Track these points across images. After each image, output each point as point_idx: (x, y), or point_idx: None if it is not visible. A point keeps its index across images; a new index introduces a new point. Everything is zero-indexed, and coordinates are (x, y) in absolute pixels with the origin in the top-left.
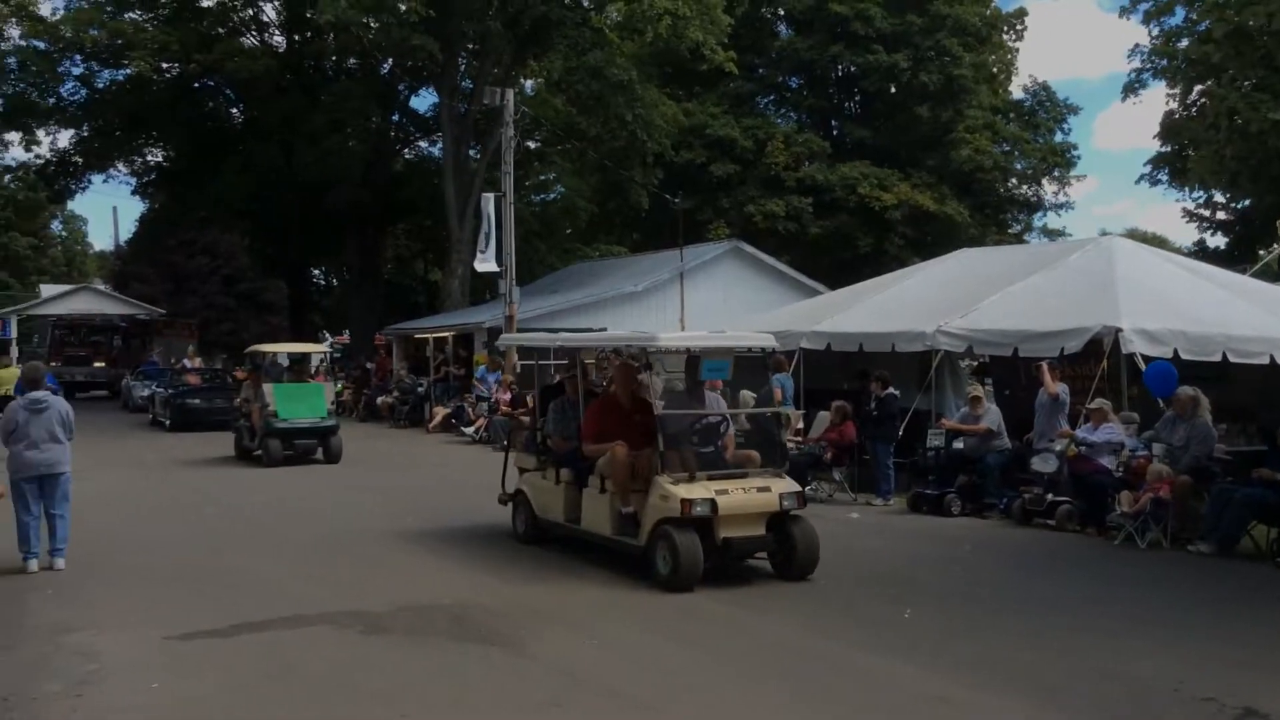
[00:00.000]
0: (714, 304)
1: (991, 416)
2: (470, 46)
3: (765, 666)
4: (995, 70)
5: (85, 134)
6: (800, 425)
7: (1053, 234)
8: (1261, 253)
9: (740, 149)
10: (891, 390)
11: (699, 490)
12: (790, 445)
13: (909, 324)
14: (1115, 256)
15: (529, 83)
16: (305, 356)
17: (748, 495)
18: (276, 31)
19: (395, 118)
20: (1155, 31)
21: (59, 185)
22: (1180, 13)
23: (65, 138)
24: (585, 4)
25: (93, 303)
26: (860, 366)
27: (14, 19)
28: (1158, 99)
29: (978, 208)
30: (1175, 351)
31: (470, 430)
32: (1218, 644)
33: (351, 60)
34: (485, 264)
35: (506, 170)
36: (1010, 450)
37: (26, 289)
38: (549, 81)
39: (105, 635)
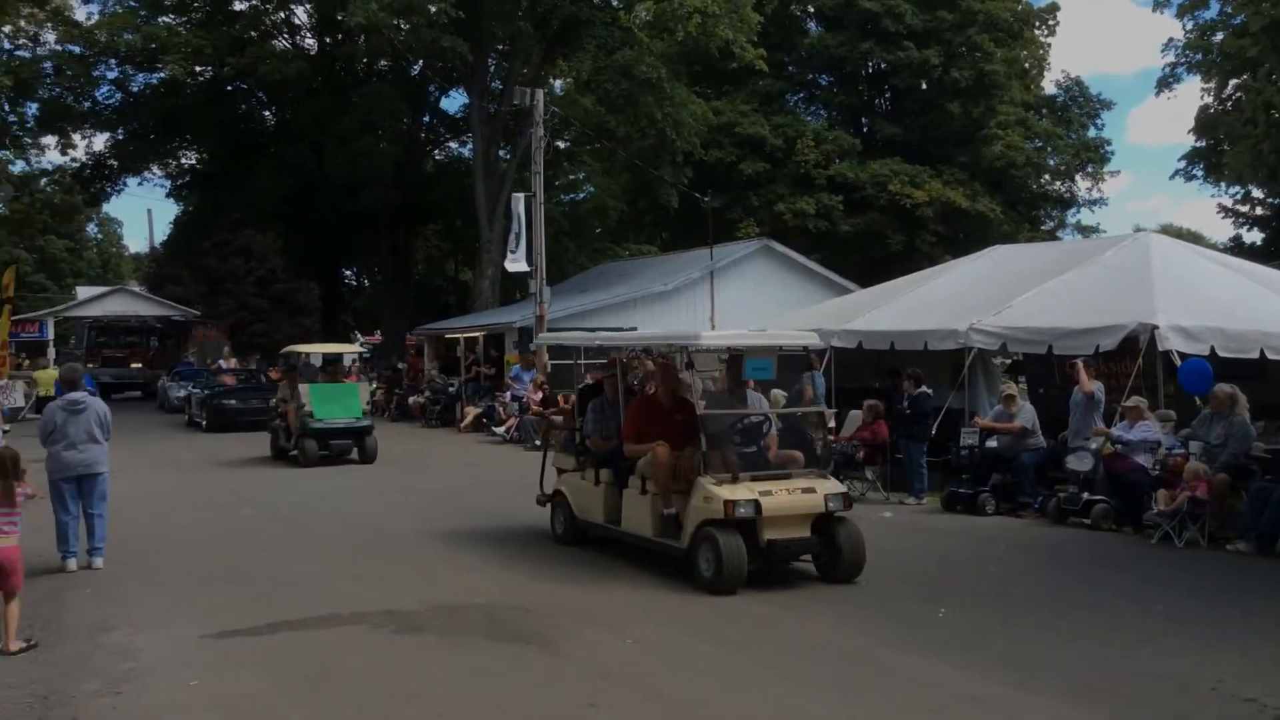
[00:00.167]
0: (744, 303)
1: (1026, 414)
2: (500, 47)
3: (801, 666)
4: (1027, 66)
5: (120, 137)
6: (832, 424)
7: (1086, 230)
8: None
9: (770, 147)
10: (924, 389)
11: (742, 491)
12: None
13: (942, 322)
14: (1151, 253)
15: (558, 82)
16: (339, 356)
17: (792, 496)
18: (308, 34)
19: (426, 119)
20: (1189, 25)
21: (95, 188)
22: (1215, 6)
23: (101, 141)
24: (615, 3)
25: (128, 304)
26: (892, 365)
27: (50, 24)
28: (1192, 93)
29: (1010, 204)
30: (1212, 348)
31: (501, 430)
32: (1257, 644)
33: (382, 62)
34: (515, 264)
35: (536, 170)
36: (1045, 448)
37: (63, 291)
38: (578, 81)
39: (143, 634)
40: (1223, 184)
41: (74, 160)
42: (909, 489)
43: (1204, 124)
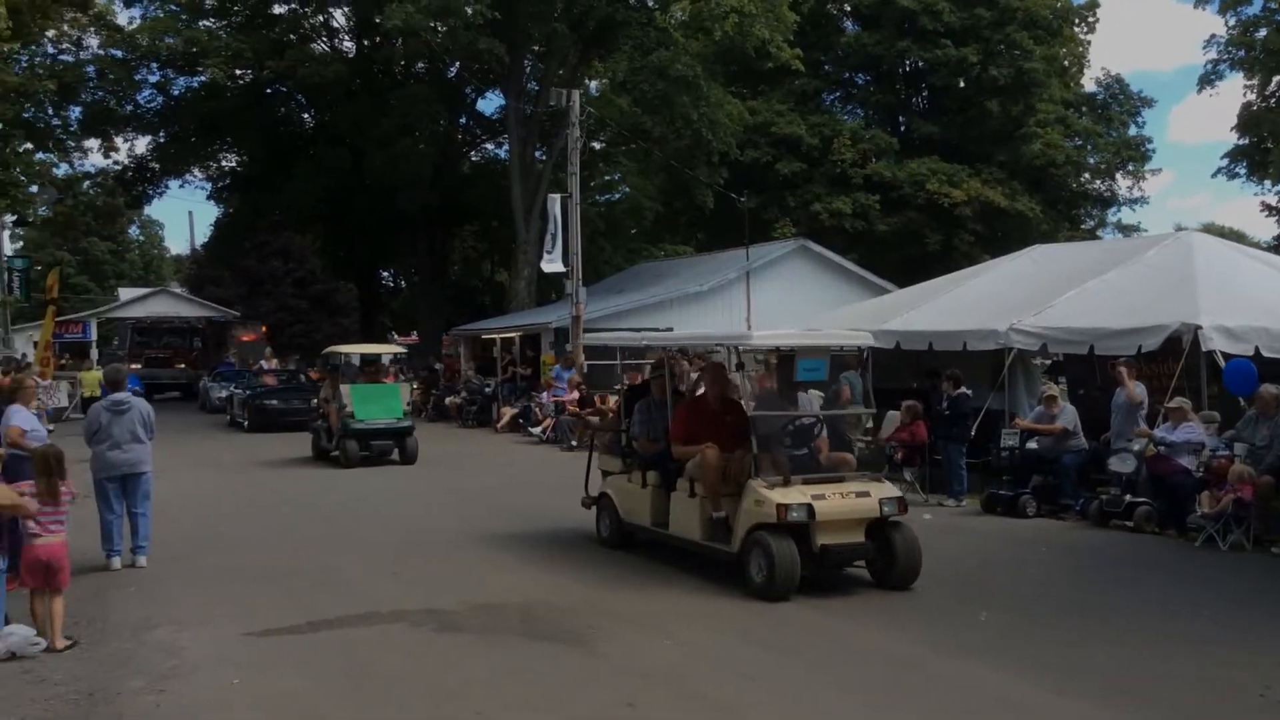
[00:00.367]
0: (780, 303)
1: (1067, 416)
2: (536, 48)
3: (841, 668)
4: (1067, 63)
5: (162, 140)
6: (869, 425)
7: (1127, 229)
8: None
9: (806, 146)
10: (964, 390)
11: (795, 495)
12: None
13: (981, 322)
14: (1193, 252)
15: (594, 83)
16: (378, 357)
17: (846, 500)
18: (346, 37)
19: (462, 120)
20: (1232, 21)
21: (136, 191)
22: (1258, 2)
23: (142, 144)
24: (651, 4)
25: (169, 306)
26: (931, 365)
27: (92, 29)
28: (1235, 90)
29: (1050, 203)
30: (1256, 349)
31: (537, 430)
32: None
33: (420, 64)
34: (551, 265)
35: (573, 171)
36: (1087, 450)
37: (105, 292)
38: (614, 81)
39: (186, 632)
40: (1266, 182)
41: (116, 163)
42: (948, 491)
43: (1247, 121)
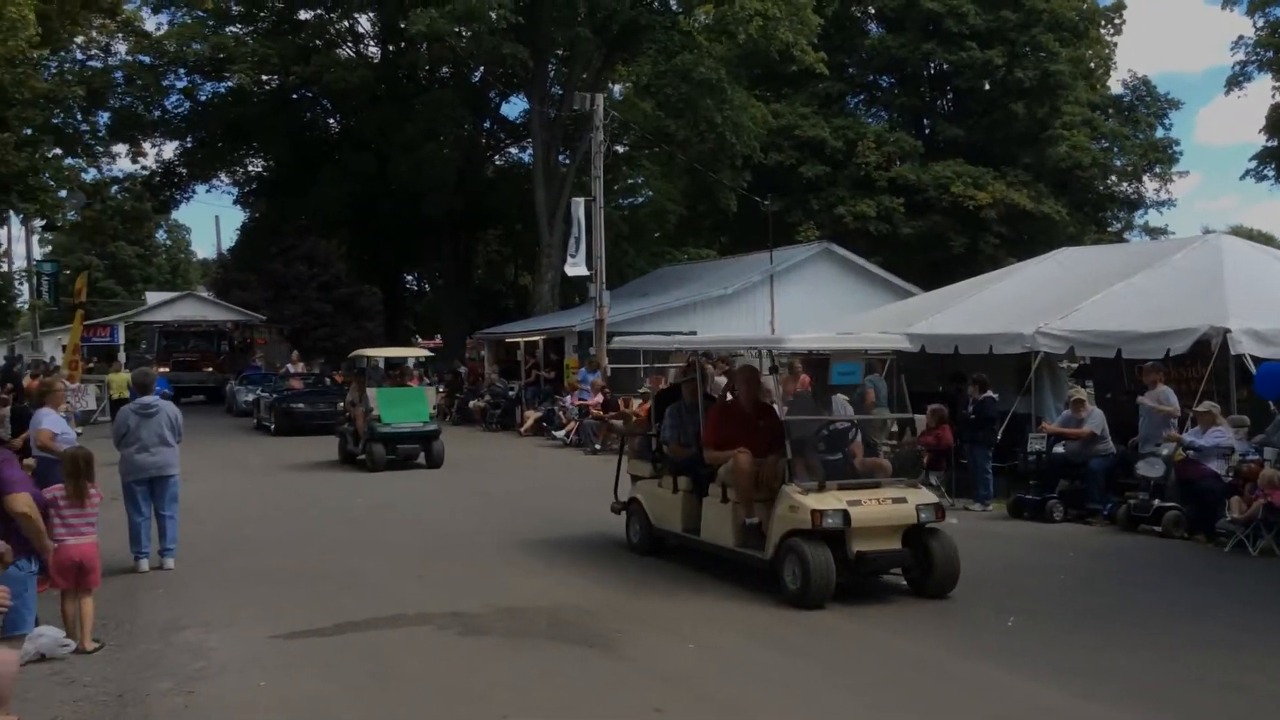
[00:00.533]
0: (804, 307)
1: (1095, 420)
2: (560, 53)
3: (867, 674)
4: (1093, 65)
5: (189, 145)
6: (895, 429)
7: (1154, 232)
8: None
9: (830, 149)
10: (990, 394)
11: (830, 501)
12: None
13: (1007, 325)
14: (1222, 255)
15: (617, 87)
16: (403, 360)
17: (882, 507)
18: (371, 43)
19: (486, 125)
20: (1260, 23)
21: (164, 196)
22: None
23: (170, 149)
24: (674, 7)
25: (196, 309)
26: (956, 369)
27: (121, 35)
28: (1263, 92)
29: (1076, 206)
30: None
31: (561, 434)
32: None
33: (444, 69)
34: (575, 268)
35: (596, 175)
36: (1115, 454)
37: (133, 296)
38: (638, 85)
39: (214, 634)
40: None
41: (144, 168)
42: (974, 495)
43: (1275, 123)
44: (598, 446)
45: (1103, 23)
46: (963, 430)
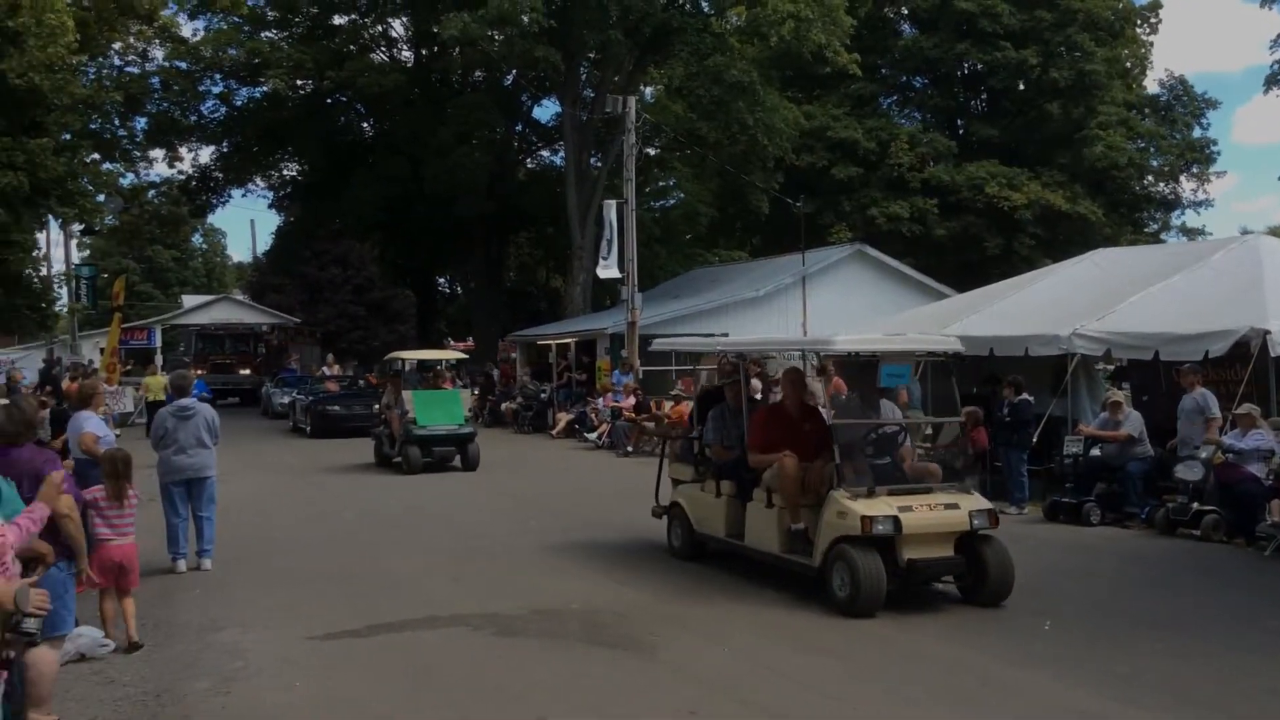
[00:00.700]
0: (837, 309)
1: (1133, 422)
2: (592, 55)
3: (903, 676)
4: (1129, 65)
5: (225, 150)
6: (929, 431)
7: (1191, 233)
8: None
9: (863, 151)
10: (1025, 396)
11: (880, 507)
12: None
13: (1043, 327)
14: (1261, 255)
15: (649, 89)
16: (438, 362)
17: (934, 513)
18: (405, 47)
19: (518, 128)
20: None
21: (200, 200)
22: None
23: (206, 154)
24: (706, 10)
25: (231, 313)
26: (991, 371)
27: (158, 41)
28: None
29: (1112, 207)
30: None
31: (593, 436)
32: None
33: (477, 73)
34: (607, 270)
35: (628, 177)
36: (1153, 457)
37: (169, 300)
38: (669, 87)
39: (250, 634)
40: None
41: (181, 173)
42: (1009, 498)
43: None
44: (630, 449)
45: (1139, 22)
46: (997, 433)
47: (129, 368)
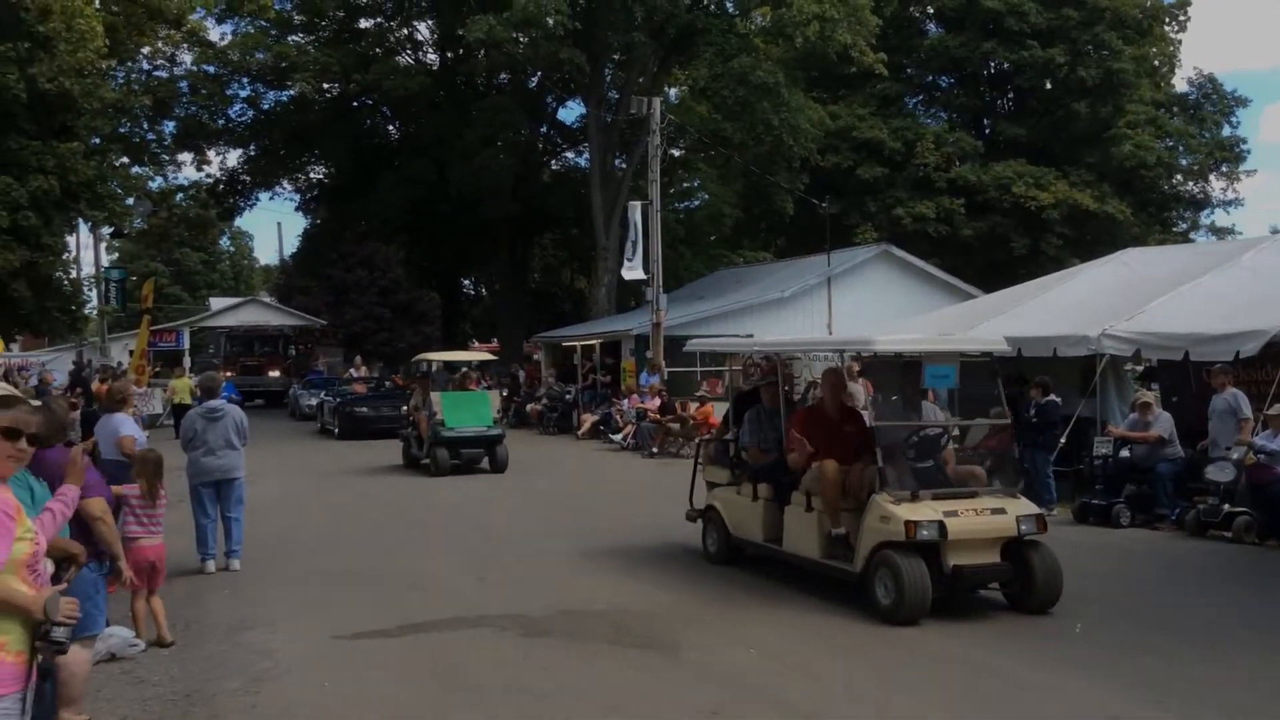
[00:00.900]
0: (863, 309)
1: (1163, 423)
2: (616, 57)
3: (929, 678)
4: (1157, 63)
5: (252, 153)
6: (956, 432)
7: (1221, 232)
8: None
9: (889, 151)
10: (1052, 397)
11: (924, 511)
12: None
13: (1072, 327)
14: None
15: (674, 90)
16: (466, 364)
17: (980, 518)
18: (430, 50)
19: (543, 129)
20: None
21: (228, 203)
22: None
23: (234, 157)
24: (731, 10)
25: (258, 315)
26: (1018, 371)
27: (186, 45)
28: None
29: (1140, 206)
30: None
31: (618, 437)
32: None
33: (501, 75)
34: (632, 272)
35: (653, 178)
36: (1183, 458)
37: (197, 302)
38: (694, 88)
39: (279, 634)
40: None
41: (209, 176)
42: (1036, 500)
43: None
44: (655, 450)
45: (1167, 20)
46: (1024, 434)
47: (158, 370)
